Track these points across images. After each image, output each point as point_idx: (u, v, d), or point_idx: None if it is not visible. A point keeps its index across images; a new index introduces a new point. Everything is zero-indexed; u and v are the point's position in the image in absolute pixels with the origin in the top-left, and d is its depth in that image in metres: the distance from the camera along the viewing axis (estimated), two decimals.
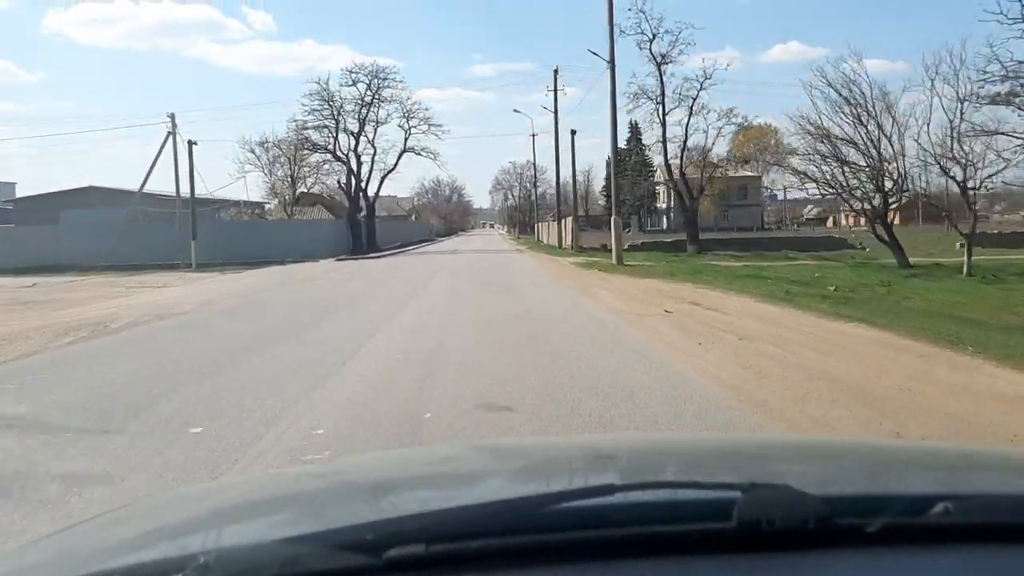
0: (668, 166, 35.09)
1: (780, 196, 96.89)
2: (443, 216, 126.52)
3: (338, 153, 44.41)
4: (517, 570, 0.90)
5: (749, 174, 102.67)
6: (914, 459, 1.65)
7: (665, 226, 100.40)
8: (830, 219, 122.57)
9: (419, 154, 47.98)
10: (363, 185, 46.63)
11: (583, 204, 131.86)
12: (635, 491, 1.12)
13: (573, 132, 37.40)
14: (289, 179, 50.18)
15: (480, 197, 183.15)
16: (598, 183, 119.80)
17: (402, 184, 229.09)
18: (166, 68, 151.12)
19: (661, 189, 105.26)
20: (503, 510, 1.01)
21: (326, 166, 46.89)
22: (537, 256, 34.39)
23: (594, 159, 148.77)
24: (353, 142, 43.92)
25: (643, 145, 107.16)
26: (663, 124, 34.07)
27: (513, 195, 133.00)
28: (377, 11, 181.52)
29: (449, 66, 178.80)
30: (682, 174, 34.47)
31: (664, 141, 34.55)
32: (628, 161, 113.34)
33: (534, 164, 58.25)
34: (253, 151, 50.73)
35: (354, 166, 44.20)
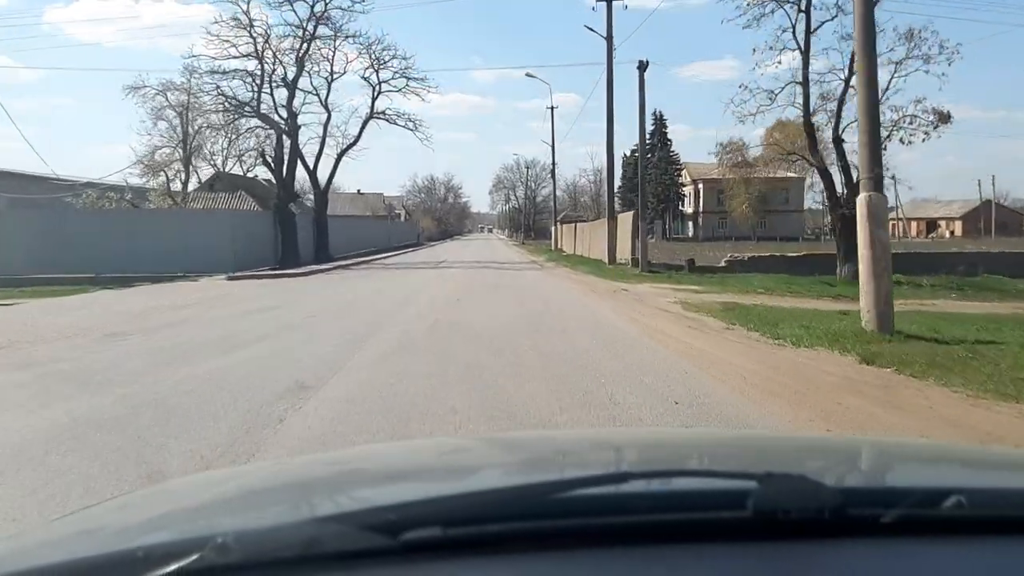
0: (810, 126, 20.21)
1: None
2: (437, 218, 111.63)
3: (274, 114, 29.45)
4: (533, 555, 0.89)
5: (792, 175, 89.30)
6: (925, 455, 1.67)
7: (691, 233, 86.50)
8: None
9: (393, 122, 33.30)
10: (312, 164, 31.84)
11: (594, 208, 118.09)
12: (651, 479, 1.13)
13: (643, 65, 22.42)
14: (180, 146, 34.53)
15: (478, 201, 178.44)
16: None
17: (389, 180, 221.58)
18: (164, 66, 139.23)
19: (689, 189, 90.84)
20: (520, 495, 1.02)
21: (258, 141, 31.48)
22: (585, 281, 19.46)
23: (604, 156, 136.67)
24: (287, 96, 28.81)
25: (668, 139, 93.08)
26: (804, 50, 19.18)
27: (516, 195, 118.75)
28: (377, 12, 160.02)
29: (449, 70, 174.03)
30: (839, 144, 19.39)
31: (805, 82, 19.57)
32: (651, 156, 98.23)
33: (552, 144, 42.87)
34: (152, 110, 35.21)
35: (288, 133, 28.93)
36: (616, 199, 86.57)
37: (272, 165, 28.59)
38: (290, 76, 28.45)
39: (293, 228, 27.97)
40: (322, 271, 24.99)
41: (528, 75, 43.26)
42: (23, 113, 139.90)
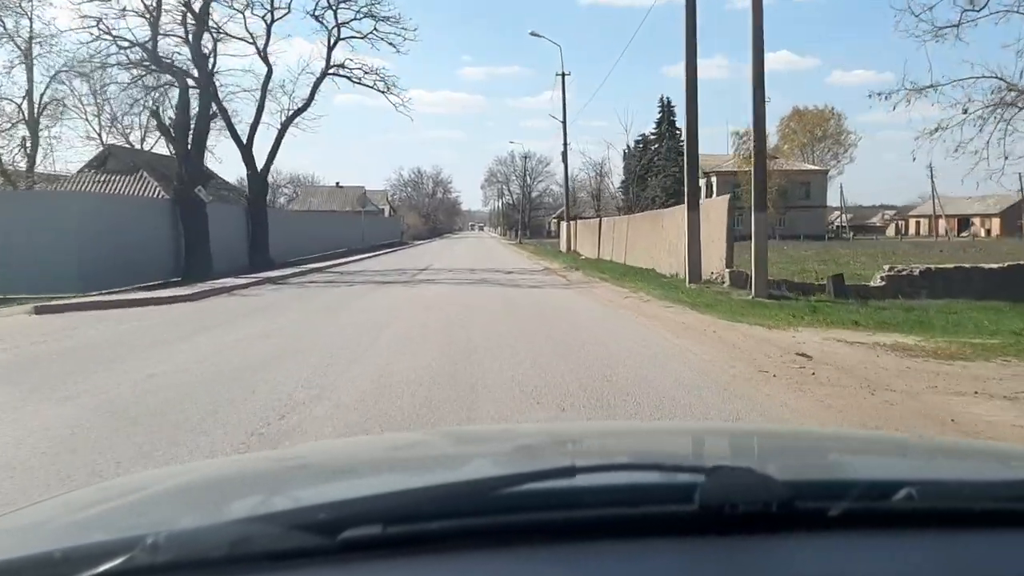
0: None
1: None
2: (424, 214, 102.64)
3: (181, 64, 20.40)
4: (476, 551, 0.88)
5: (813, 168, 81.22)
6: (877, 447, 1.68)
7: None
8: (891, 226, 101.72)
9: (358, 81, 24.50)
10: (245, 136, 22.96)
11: (594, 204, 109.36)
12: (596, 473, 1.13)
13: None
14: (24, 105, 25.06)
15: (468, 199, 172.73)
16: (614, 179, 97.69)
17: (377, 177, 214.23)
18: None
19: (707, 182, 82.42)
20: (463, 491, 1.00)
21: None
22: (685, 323, 9.86)
23: (603, 150, 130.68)
24: (193, 30, 19.82)
25: (676, 128, 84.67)
26: None
27: (510, 190, 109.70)
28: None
29: (438, 68, 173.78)
30: None
31: None
32: (658, 147, 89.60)
33: (564, 117, 33.32)
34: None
35: (198, 83, 19.92)
36: (618, 196, 78.37)
37: (172, 132, 19.49)
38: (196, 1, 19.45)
39: (202, 222, 19.03)
40: (236, 288, 16.16)
41: (533, 34, 34.25)
42: None
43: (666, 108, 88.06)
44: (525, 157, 75.30)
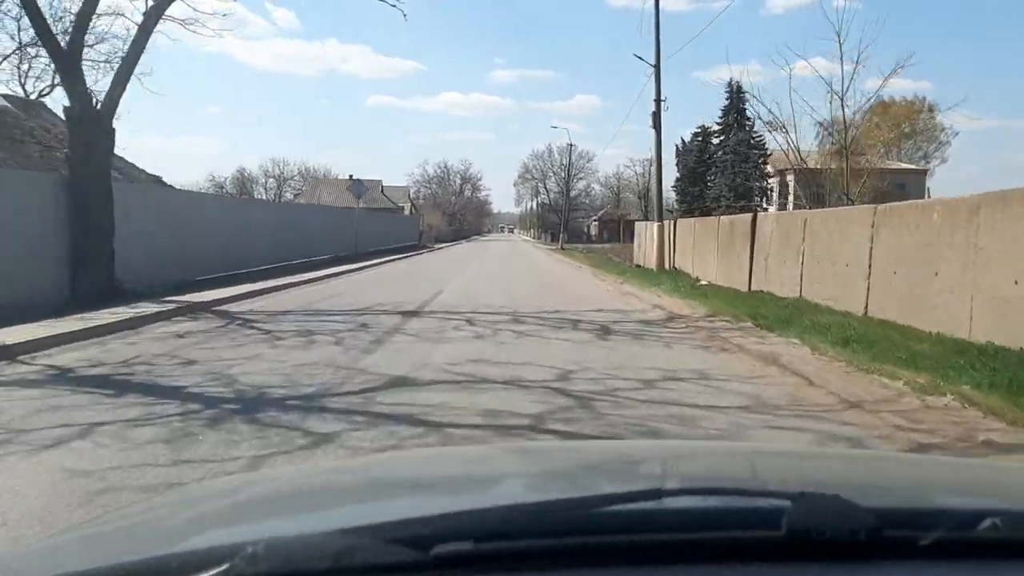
0: None
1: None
2: (449, 213, 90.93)
3: None
4: (564, 571, 0.88)
5: (910, 167, 68.90)
6: (956, 474, 1.63)
7: None
8: None
9: None
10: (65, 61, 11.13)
11: (640, 206, 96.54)
12: (682, 496, 1.12)
13: None
14: None
15: (496, 201, 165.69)
16: (669, 180, 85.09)
17: (397, 172, 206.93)
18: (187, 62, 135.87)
19: (773, 183, 69.67)
20: (552, 511, 1.01)
21: None
22: None
23: (639, 151, 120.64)
24: None
25: (746, 117, 71.93)
26: None
27: (546, 187, 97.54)
28: (400, 11, 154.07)
29: (471, 70, 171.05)
30: None
31: None
32: (724, 139, 76.11)
33: (656, 61, 20.92)
34: None
35: None
36: (671, 198, 65.55)
37: None
38: None
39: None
40: None
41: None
42: None
43: (734, 95, 75.31)
44: (570, 145, 62.65)
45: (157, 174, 24.00)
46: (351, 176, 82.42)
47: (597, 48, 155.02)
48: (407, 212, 76.26)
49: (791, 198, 64.53)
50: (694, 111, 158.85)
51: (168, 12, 12.75)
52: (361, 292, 15.65)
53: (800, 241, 12.82)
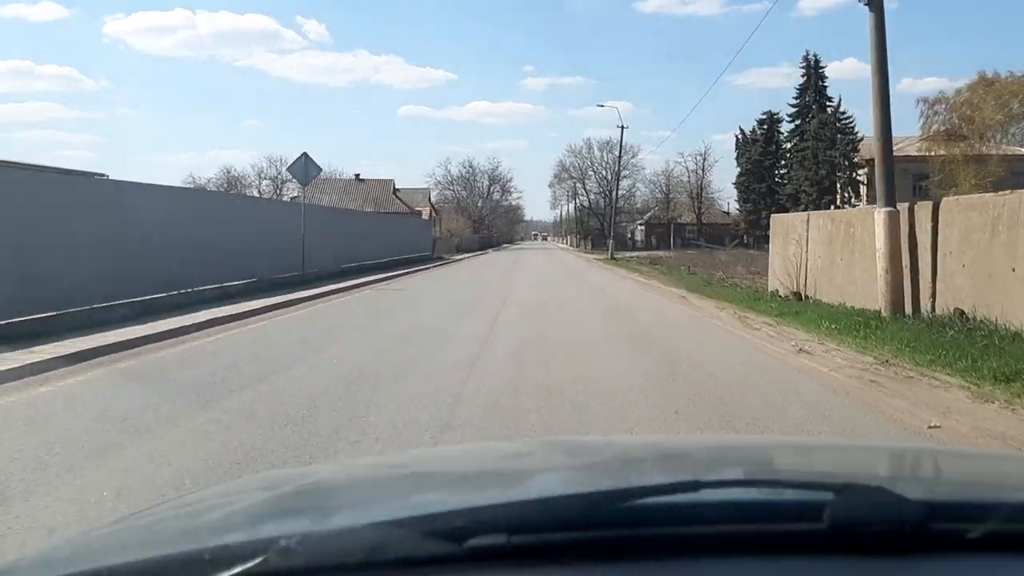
0: None
1: None
2: (475, 219, 79.24)
3: None
4: (600, 564, 0.87)
5: None
6: (1004, 466, 1.61)
7: None
8: None
9: None
10: None
11: (692, 206, 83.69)
12: (721, 488, 1.09)
13: None
14: None
15: (529, 208, 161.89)
16: (724, 178, 72.93)
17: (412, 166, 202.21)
18: (221, 77, 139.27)
19: (862, 174, 57.14)
20: (587, 503, 0.99)
21: None
22: None
23: (687, 146, 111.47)
24: None
25: (827, 97, 59.60)
26: None
27: (585, 188, 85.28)
28: (430, 22, 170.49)
29: (501, 79, 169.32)
30: None
31: None
32: (799, 125, 63.30)
33: None
34: None
35: None
36: (731, 196, 52.64)
37: None
38: None
39: None
40: None
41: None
42: None
43: (812, 71, 62.99)
44: (622, 128, 49.99)
45: None
46: (357, 175, 71.48)
47: (628, 54, 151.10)
48: (427, 216, 65.11)
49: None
50: (729, 117, 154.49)
51: None
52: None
53: None
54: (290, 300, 14.25)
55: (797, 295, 13.52)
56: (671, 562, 0.87)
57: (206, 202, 18.79)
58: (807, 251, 13.69)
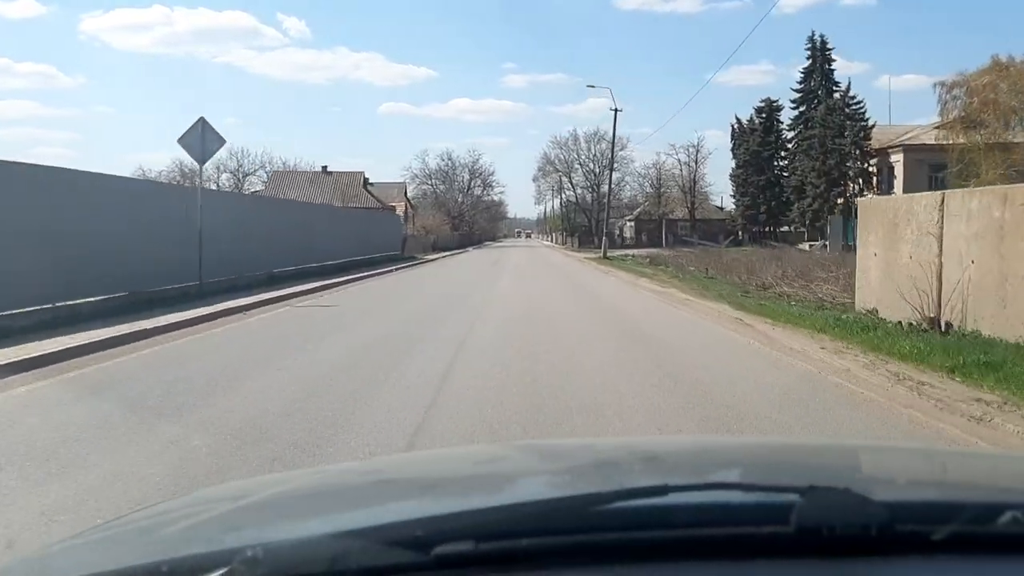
0: None
1: None
2: (454, 215, 73.80)
3: None
4: (568, 570, 0.87)
5: None
6: (974, 466, 1.61)
7: None
8: None
9: None
10: None
11: (684, 200, 78.57)
12: (689, 492, 1.10)
13: None
14: None
15: (512, 205, 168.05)
16: (714, 173, 67.42)
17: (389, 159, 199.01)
18: (200, 74, 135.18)
19: (876, 164, 52.58)
20: (555, 509, 0.99)
21: None
22: None
23: (672, 140, 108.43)
24: None
25: (835, 83, 55.03)
26: None
27: (572, 182, 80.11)
28: (410, 19, 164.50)
29: (482, 76, 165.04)
30: None
31: None
32: (804, 111, 58.71)
33: None
34: None
35: None
36: (727, 191, 45.92)
37: None
38: None
39: None
40: None
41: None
42: None
43: (817, 52, 58.20)
44: (615, 111, 44.50)
45: None
46: (324, 168, 65.84)
47: (610, 51, 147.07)
48: (401, 213, 59.74)
49: (901, 180, 47.26)
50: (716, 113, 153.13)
51: None
52: None
53: None
54: (125, 334, 8.96)
55: (934, 323, 8.51)
56: (641, 566, 0.86)
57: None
58: (942, 253, 8.69)
